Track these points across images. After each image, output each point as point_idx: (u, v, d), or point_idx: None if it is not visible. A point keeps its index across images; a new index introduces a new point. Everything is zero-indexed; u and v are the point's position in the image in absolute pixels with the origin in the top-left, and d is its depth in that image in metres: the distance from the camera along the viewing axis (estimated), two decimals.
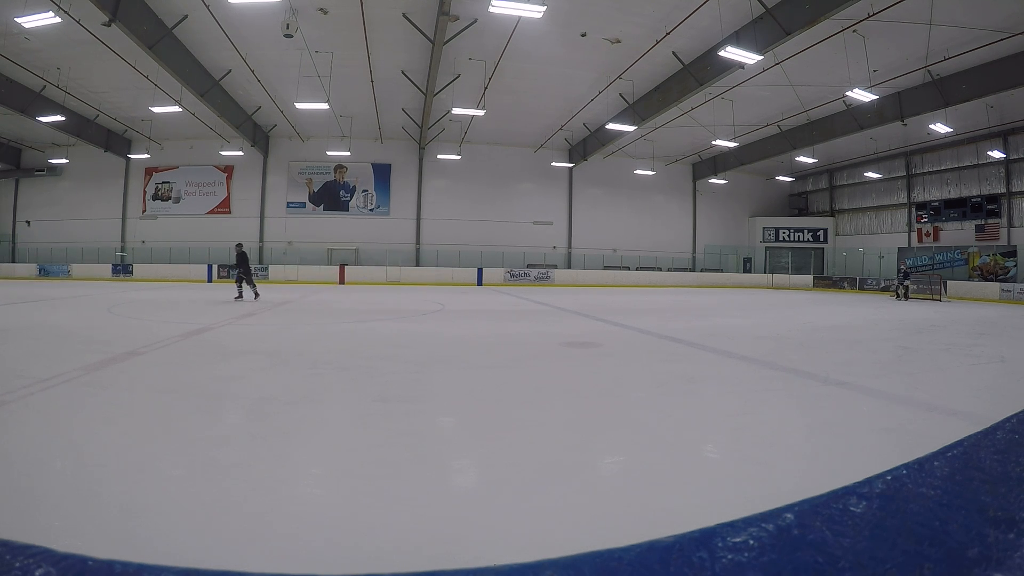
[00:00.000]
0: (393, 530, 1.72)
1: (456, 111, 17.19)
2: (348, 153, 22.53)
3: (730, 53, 11.53)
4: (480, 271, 24.04)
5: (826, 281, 25.08)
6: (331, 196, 25.27)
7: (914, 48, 13.34)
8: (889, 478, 0.82)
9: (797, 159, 23.12)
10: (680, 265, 28.08)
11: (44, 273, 23.00)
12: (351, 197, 25.34)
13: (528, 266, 25.31)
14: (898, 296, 17.69)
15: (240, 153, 22.99)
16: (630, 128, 18.54)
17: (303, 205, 25.16)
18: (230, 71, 16.47)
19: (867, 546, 0.62)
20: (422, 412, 3.23)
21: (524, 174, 26.32)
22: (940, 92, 15.20)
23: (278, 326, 7.39)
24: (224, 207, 24.85)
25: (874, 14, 11.47)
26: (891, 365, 5.06)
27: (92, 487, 2.01)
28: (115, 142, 23.33)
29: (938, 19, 11.74)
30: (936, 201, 22.74)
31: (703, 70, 14.61)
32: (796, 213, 29.76)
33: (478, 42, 14.03)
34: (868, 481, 0.80)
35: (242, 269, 12.06)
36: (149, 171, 24.74)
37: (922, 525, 0.68)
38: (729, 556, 0.59)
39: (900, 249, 23.91)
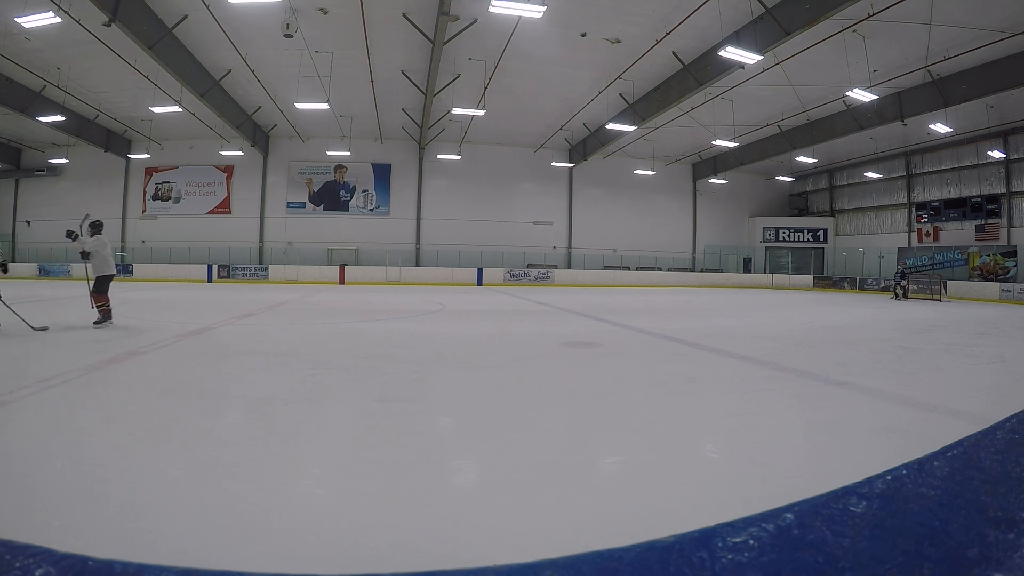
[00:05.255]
0: (393, 530, 1.72)
1: (456, 111, 17.18)
2: (348, 153, 22.54)
3: (730, 53, 11.52)
4: (480, 271, 24.04)
5: (826, 281, 25.07)
6: (331, 196, 25.27)
7: (914, 48, 13.34)
8: (889, 478, 0.82)
9: (797, 159, 23.11)
10: (680, 265, 28.08)
11: (44, 273, 22.99)
12: (351, 197, 25.34)
13: (528, 266, 25.30)
14: (896, 296, 17.73)
15: (240, 153, 22.99)
16: (630, 128, 18.53)
17: (303, 205, 25.16)
18: (230, 71, 16.47)
19: (867, 546, 0.62)
20: (422, 412, 3.23)
21: (524, 174, 26.32)
22: (940, 92, 15.20)
23: (278, 326, 7.39)
24: (224, 207, 24.85)
25: (874, 14, 11.47)
26: (891, 365, 5.05)
27: (92, 487, 2.01)
28: (115, 142, 23.33)
29: (938, 19, 11.74)
30: (936, 201, 22.73)
31: (703, 70, 14.60)
32: (796, 213, 29.76)
33: (478, 42, 14.02)
34: (868, 481, 0.80)
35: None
36: (149, 171, 24.74)
37: (922, 525, 0.68)
38: (729, 556, 0.59)
39: (900, 249, 23.91)
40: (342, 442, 2.66)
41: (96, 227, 7.17)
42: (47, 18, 10.64)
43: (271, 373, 4.23)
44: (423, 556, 1.56)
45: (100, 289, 6.94)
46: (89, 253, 6.92)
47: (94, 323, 6.73)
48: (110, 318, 6.92)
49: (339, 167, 25.08)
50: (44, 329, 6.14)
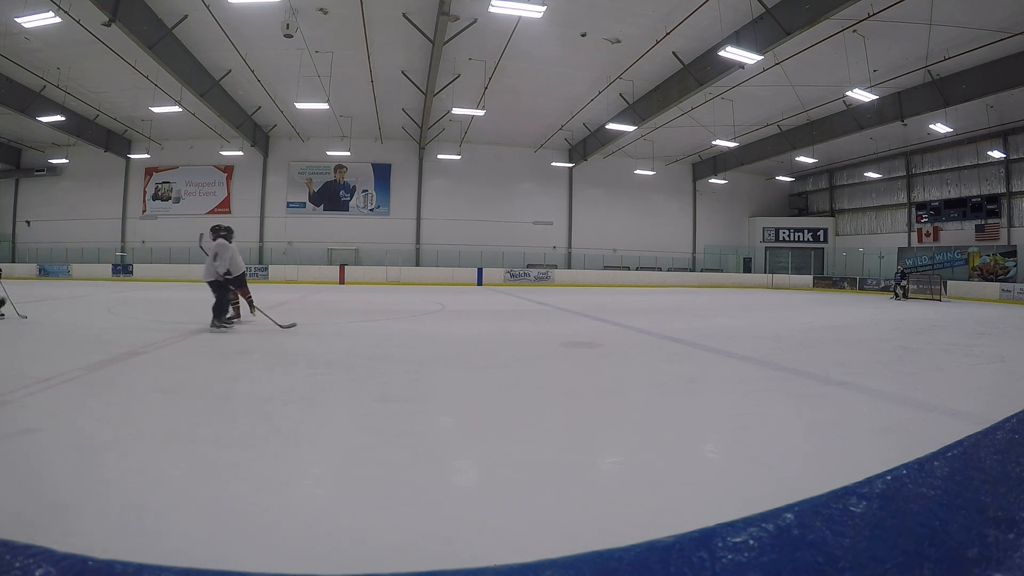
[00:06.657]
0: (393, 530, 1.72)
1: (456, 111, 17.18)
2: (348, 153, 22.53)
3: (730, 53, 11.53)
4: (480, 271, 24.04)
5: (826, 281, 25.07)
6: (331, 196, 25.27)
7: (914, 48, 13.34)
8: (889, 478, 0.82)
9: (797, 159, 23.11)
10: (680, 265, 28.08)
11: (44, 273, 22.99)
12: (351, 197, 25.34)
13: (528, 266, 25.30)
14: (896, 296, 17.73)
15: (240, 153, 22.99)
16: (630, 128, 18.53)
17: (303, 205, 25.16)
18: (230, 71, 16.47)
19: (867, 546, 0.62)
20: (422, 412, 3.23)
21: (524, 174, 26.32)
22: (940, 92, 15.19)
23: (278, 326, 7.37)
24: (224, 207, 24.84)
25: (874, 14, 11.47)
26: (891, 365, 5.05)
27: (92, 487, 2.01)
28: (115, 142, 23.32)
29: (938, 19, 11.73)
30: (936, 201, 22.73)
31: (703, 70, 14.60)
32: (796, 213, 29.75)
33: (478, 42, 14.02)
34: (868, 481, 0.80)
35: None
36: (149, 171, 24.74)
37: (922, 525, 0.68)
38: (729, 556, 0.59)
39: (900, 249, 23.90)
40: (342, 442, 2.66)
41: (216, 232, 6.95)
42: (47, 18, 10.63)
43: (271, 373, 4.23)
44: (423, 556, 1.56)
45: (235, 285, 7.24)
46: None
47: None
48: (238, 316, 7.36)
49: (339, 167, 25.07)
50: (292, 326, 6.86)
